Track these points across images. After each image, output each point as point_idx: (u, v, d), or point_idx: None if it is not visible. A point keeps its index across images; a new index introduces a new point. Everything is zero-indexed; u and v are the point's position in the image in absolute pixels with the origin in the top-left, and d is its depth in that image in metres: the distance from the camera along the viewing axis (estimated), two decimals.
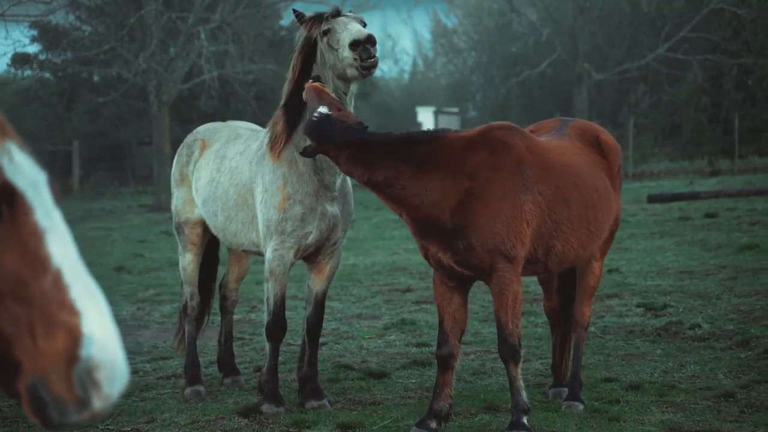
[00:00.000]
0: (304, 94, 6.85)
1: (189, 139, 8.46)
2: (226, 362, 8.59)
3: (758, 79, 41.25)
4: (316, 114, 6.37)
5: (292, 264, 7.43)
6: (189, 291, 8.43)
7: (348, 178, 7.47)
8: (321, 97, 6.56)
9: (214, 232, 8.05)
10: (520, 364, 6.69)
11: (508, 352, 6.61)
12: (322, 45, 7.07)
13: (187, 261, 8.40)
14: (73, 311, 2.19)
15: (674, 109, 44.15)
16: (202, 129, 8.52)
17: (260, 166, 7.44)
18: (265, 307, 7.54)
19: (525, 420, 6.56)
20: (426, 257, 6.75)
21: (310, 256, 7.51)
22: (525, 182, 6.52)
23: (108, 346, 2.19)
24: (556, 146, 7.00)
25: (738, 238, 16.16)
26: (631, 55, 47.74)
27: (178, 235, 8.46)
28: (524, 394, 6.64)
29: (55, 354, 2.16)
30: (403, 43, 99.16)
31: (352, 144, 6.31)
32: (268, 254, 7.33)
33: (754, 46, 41.15)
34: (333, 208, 7.28)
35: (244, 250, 8.02)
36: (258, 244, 7.57)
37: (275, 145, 7.31)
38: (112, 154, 41.38)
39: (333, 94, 6.88)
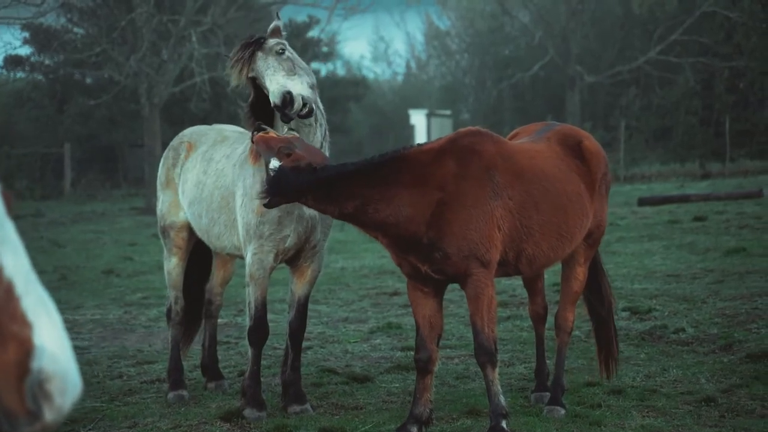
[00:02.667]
0: (253, 146, 6.88)
1: (175, 142, 8.48)
2: (210, 366, 8.59)
3: (750, 82, 41.33)
4: (270, 168, 6.33)
5: (273, 268, 7.45)
6: (173, 295, 8.42)
7: None
8: (270, 147, 6.44)
9: (199, 234, 8.06)
10: (497, 368, 6.71)
11: (485, 356, 6.65)
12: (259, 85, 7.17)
13: (172, 265, 8.40)
14: (24, 323, 2.19)
15: (665, 111, 44.22)
16: (188, 132, 8.54)
17: (242, 170, 7.47)
18: (246, 312, 7.55)
19: (504, 424, 6.58)
20: (400, 265, 6.79)
21: (292, 260, 7.53)
22: (495, 188, 6.56)
23: (59, 357, 2.19)
24: (527, 150, 7.03)
25: (726, 241, 16.19)
26: (623, 58, 47.84)
27: (164, 238, 8.47)
28: (502, 399, 6.67)
29: (5, 366, 2.16)
30: (395, 46, 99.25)
31: (311, 188, 6.30)
32: (248, 258, 7.36)
33: (746, 49, 41.23)
34: (310, 211, 7.30)
35: (227, 254, 8.03)
36: (239, 248, 7.59)
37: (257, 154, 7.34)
38: (103, 156, 41.34)
39: (286, 129, 6.96)
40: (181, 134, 8.61)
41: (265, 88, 7.01)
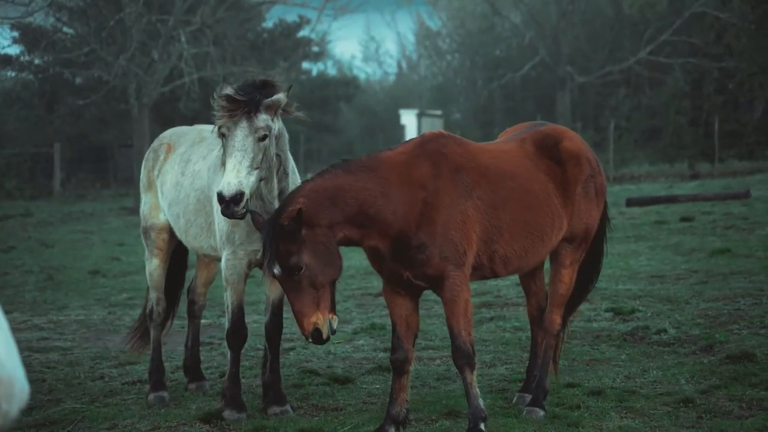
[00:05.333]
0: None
1: (155, 143, 8.50)
2: (193, 367, 8.60)
3: (739, 82, 41.43)
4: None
5: (247, 274, 7.46)
6: (155, 296, 8.44)
7: None
8: (260, 228, 6.46)
9: (178, 235, 8.07)
10: (475, 371, 6.73)
11: (463, 359, 6.67)
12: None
13: (154, 266, 8.41)
14: None
15: (655, 112, 44.32)
16: (168, 133, 8.55)
17: (216, 175, 7.47)
18: (226, 315, 7.57)
19: (482, 426, 6.61)
20: (380, 271, 6.78)
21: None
22: (465, 188, 6.62)
23: (5, 363, 2.19)
24: (491, 150, 7.07)
25: (711, 242, 16.23)
26: (613, 59, 47.93)
27: (145, 240, 8.48)
28: (481, 401, 6.69)
29: None
30: (386, 46, 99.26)
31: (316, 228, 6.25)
32: (223, 263, 7.41)
33: (736, 50, 41.33)
34: None
35: (204, 255, 8.04)
36: (216, 249, 7.62)
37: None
38: (93, 156, 41.31)
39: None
40: (161, 135, 8.62)
41: (223, 162, 6.72)
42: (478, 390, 6.72)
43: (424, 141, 6.78)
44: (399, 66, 67.83)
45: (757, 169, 34.35)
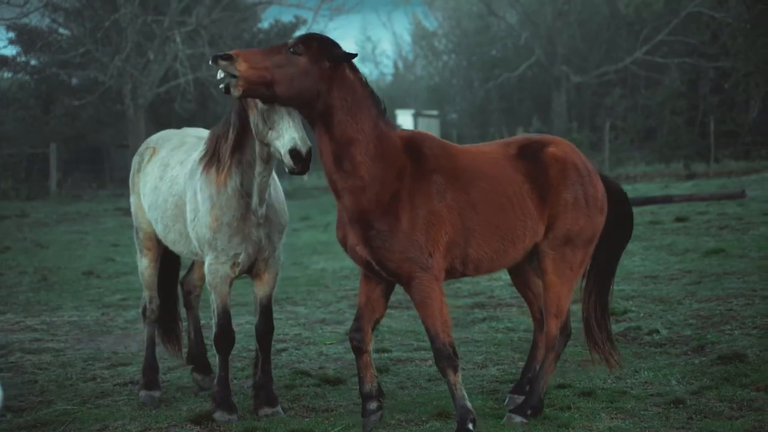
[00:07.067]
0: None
1: (142, 147, 8.54)
2: (198, 356, 8.58)
3: (735, 82, 41.45)
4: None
5: (231, 278, 7.45)
6: (147, 295, 8.46)
7: (279, 194, 7.62)
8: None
9: (160, 237, 8.10)
10: (459, 372, 6.73)
11: (444, 361, 6.70)
12: (256, 116, 6.90)
13: (144, 265, 8.44)
14: None
15: (650, 112, 44.35)
16: (155, 137, 8.59)
17: (191, 181, 7.49)
18: (212, 319, 7.58)
19: (470, 426, 6.61)
20: (344, 245, 6.90)
21: (249, 269, 7.55)
22: (439, 190, 6.67)
23: None
24: (469, 152, 7.08)
25: (705, 242, 16.24)
26: (609, 59, 47.99)
27: (136, 239, 8.52)
28: (467, 402, 6.70)
29: None
30: (383, 46, 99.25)
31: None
32: (206, 268, 7.46)
33: (732, 50, 41.35)
34: (259, 233, 7.35)
35: (188, 258, 8.08)
36: (197, 253, 7.66)
37: (219, 172, 7.28)
38: (89, 157, 41.24)
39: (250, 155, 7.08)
40: (149, 139, 8.67)
41: (280, 131, 6.74)
42: (464, 391, 6.73)
43: (411, 136, 6.87)
44: (395, 66, 67.86)
45: (753, 169, 34.36)
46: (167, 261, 8.60)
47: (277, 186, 7.65)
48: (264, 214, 7.34)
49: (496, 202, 6.87)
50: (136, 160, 8.46)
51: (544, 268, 7.19)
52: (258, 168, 7.15)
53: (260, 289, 7.62)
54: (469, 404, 6.70)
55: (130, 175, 8.51)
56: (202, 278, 8.82)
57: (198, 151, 7.62)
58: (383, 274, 6.72)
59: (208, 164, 7.30)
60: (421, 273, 6.58)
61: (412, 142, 6.80)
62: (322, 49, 6.43)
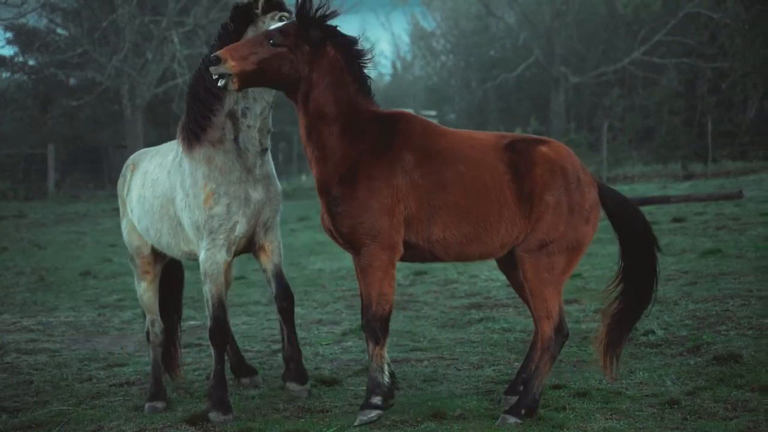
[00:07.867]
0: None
1: (123, 169, 8.62)
2: (237, 363, 8.57)
3: (732, 83, 41.46)
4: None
5: (227, 263, 7.49)
6: (149, 319, 8.38)
7: (269, 162, 7.81)
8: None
9: (154, 245, 8.10)
10: (383, 348, 6.90)
11: (370, 331, 6.90)
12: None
13: (143, 290, 8.40)
14: None
15: (648, 112, 44.36)
16: (135, 155, 8.73)
17: (177, 174, 7.54)
18: (207, 312, 7.57)
19: (377, 401, 6.89)
20: (322, 222, 7.19)
21: (248, 247, 7.61)
22: (403, 167, 6.85)
23: None
24: (454, 135, 7.19)
25: (702, 242, 16.24)
26: (607, 59, 47.99)
27: (132, 264, 8.49)
28: (379, 375, 6.94)
29: None
30: (381, 46, 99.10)
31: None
32: (201, 256, 7.45)
33: (730, 50, 41.36)
34: (256, 193, 7.50)
35: (180, 259, 8.11)
36: (190, 252, 7.69)
37: (192, 141, 7.47)
38: (87, 157, 41.21)
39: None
40: (127, 160, 8.73)
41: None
42: (380, 364, 6.92)
43: (389, 114, 7.08)
44: (393, 66, 67.77)
45: (751, 169, 34.36)
46: (167, 283, 8.56)
47: (269, 161, 7.82)
48: (262, 168, 7.57)
49: (470, 186, 6.92)
50: (120, 182, 8.53)
51: (524, 273, 7.10)
52: (249, 121, 7.50)
53: (267, 261, 7.69)
54: (383, 379, 6.91)
55: (119, 200, 8.53)
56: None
57: (174, 151, 7.76)
58: (340, 241, 6.97)
59: (187, 140, 7.51)
60: (370, 241, 6.80)
61: (390, 119, 7.02)
62: (300, 33, 6.78)
